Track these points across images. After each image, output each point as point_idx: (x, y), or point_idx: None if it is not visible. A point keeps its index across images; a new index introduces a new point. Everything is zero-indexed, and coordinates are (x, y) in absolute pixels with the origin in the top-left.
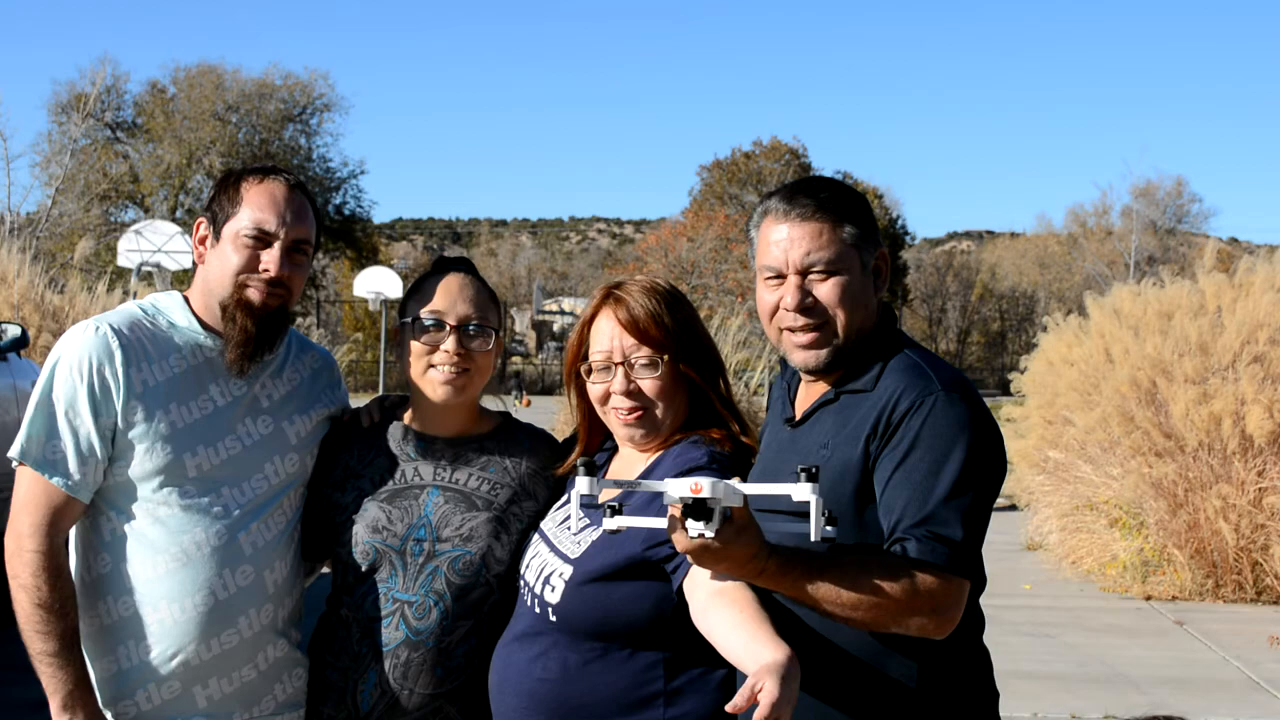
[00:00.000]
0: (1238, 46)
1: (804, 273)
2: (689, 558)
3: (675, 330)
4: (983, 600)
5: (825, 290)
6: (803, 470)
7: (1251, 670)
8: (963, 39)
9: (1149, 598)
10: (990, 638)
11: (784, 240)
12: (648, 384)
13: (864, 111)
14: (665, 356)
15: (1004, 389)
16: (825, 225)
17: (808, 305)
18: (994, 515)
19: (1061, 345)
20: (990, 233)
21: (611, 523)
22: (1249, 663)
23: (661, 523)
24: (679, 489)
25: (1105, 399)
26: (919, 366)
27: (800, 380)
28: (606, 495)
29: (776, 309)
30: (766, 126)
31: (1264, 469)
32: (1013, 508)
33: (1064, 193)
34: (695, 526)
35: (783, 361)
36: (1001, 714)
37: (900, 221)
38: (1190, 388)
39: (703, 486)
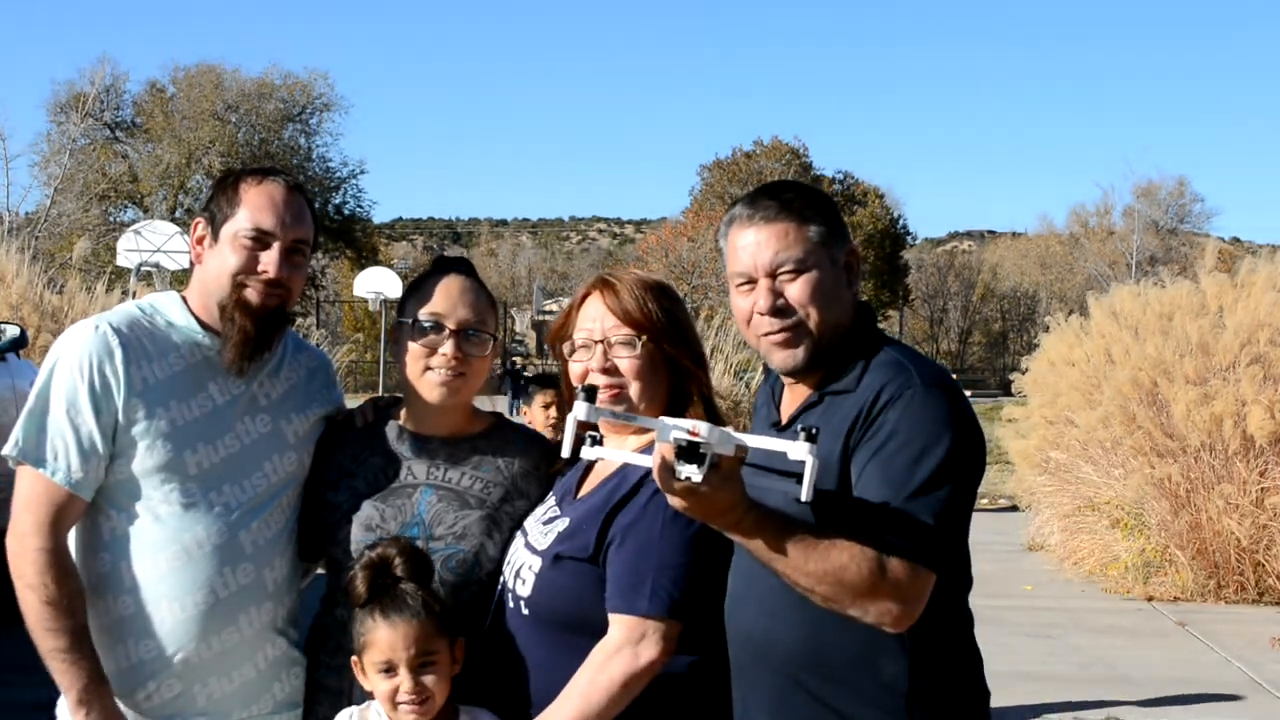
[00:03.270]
0: (1239, 46)
1: (774, 274)
2: (671, 500)
3: (658, 318)
4: (984, 601)
5: (796, 290)
6: (802, 430)
7: (1253, 671)
8: (964, 38)
9: (1151, 599)
10: (992, 638)
11: (751, 245)
12: (625, 363)
13: (865, 111)
14: (644, 337)
15: (1005, 389)
16: (790, 225)
17: (780, 306)
18: (995, 516)
19: (1063, 345)
20: (992, 232)
21: (591, 452)
22: (1251, 664)
23: (638, 458)
24: (679, 428)
25: (1107, 399)
26: (900, 363)
27: (784, 385)
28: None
29: (752, 314)
30: (767, 126)
31: (1266, 469)
32: (1014, 508)
33: (1066, 192)
34: (685, 469)
35: (766, 367)
36: (1003, 715)
37: (901, 221)
38: (1191, 388)
39: (700, 430)
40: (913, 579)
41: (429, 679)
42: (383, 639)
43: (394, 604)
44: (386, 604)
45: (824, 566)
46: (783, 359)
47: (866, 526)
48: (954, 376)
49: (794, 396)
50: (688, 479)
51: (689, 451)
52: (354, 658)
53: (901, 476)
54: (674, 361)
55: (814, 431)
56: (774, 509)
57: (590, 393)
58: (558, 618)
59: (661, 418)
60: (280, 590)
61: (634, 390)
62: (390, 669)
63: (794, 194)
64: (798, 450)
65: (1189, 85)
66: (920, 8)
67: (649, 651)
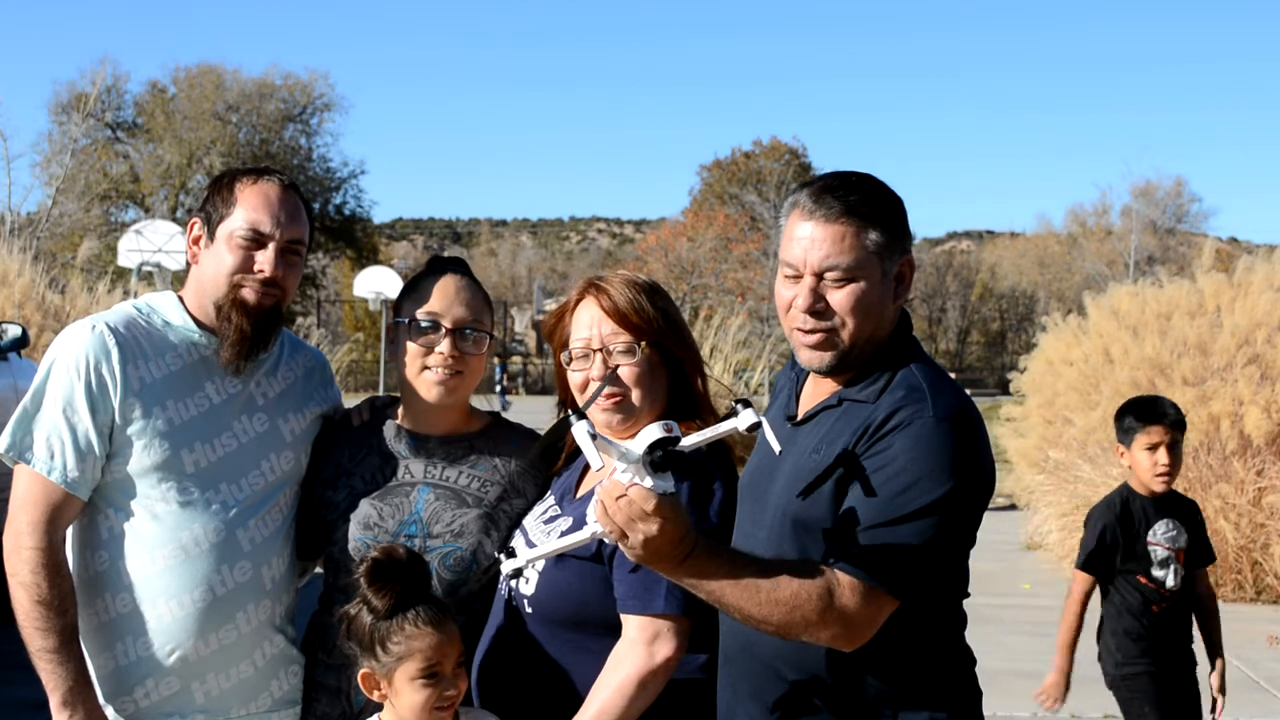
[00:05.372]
0: (1237, 45)
1: (820, 275)
2: (629, 544)
3: (655, 320)
4: (982, 599)
5: (839, 297)
6: (737, 401)
7: (1251, 670)
8: (962, 39)
9: None
10: (990, 637)
11: (805, 239)
12: (625, 370)
13: (864, 111)
14: (643, 343)
15: (1004, 389)
16: (849, 230)
17: (818, 309)
18: (994, 515)
19: (1061, 345)
20: (990, 232)
21: (510, 564)
22: (1249, 662)
23: (572, 539)
24: (652, 433)
25: (1105, 399)
26: (920, 388)
27: (809, 375)
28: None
29: (791, 305)
30: (766, 126)
31: (1263, 469)
32: (1012, 507)
33: (1064, 192)
34: (659, 483)
35: (792, 354)
36: (1000, 713)
37: None
38: (1188, 389)
39: (673, 427)
40: (863, 606)
41: (463, 681)
42: (430, 646)
43: (431, 610)
44: (424, 612)
45: (773, 597)
46: (809, 358)
47: (837, 542)
48: (972, 399)
49: (816, 391)
50: (665, 491)
51: (663, 461)
52: (365, 672)
53: (886, 502)
54: (673, 361)
55: (746, 399)
56: (717, 544)
57: (581, 414)
58: (561, 615)
59: (624, 443)
60: (278, 588)
61: (635, 396)
62: (436, 675)
63: (860, 196)
64: (745, 419)
65: (1186, 84)
66: (919, 8)
67: (664, 649)
